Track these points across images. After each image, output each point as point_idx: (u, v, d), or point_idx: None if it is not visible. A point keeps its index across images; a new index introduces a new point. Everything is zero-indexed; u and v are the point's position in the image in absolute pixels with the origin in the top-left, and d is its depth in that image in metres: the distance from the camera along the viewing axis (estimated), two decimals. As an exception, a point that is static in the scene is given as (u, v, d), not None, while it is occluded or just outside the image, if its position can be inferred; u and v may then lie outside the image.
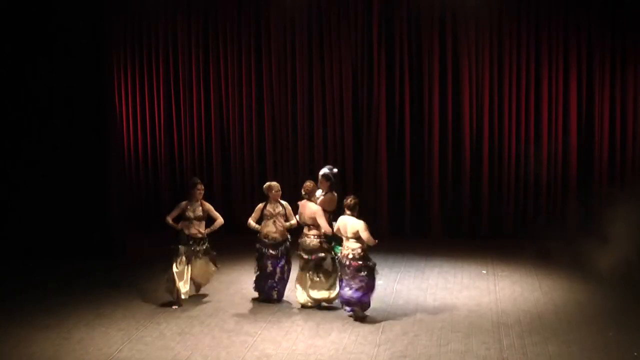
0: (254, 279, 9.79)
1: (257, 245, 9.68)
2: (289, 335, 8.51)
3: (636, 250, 10.38)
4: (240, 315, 9.24)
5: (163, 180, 14.20)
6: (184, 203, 9.77)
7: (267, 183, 9.90)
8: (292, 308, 9.48)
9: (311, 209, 9.38)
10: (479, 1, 12.82)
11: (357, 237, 8.87)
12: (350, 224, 8.95)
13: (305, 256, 9.40)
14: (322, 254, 9.34)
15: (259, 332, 8.64)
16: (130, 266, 11.69)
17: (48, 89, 12.12)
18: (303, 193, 9.56)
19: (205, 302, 9.74)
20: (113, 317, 9.20)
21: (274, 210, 9.64)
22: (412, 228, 13.36)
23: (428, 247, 12.50)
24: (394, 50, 13.21)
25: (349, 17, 13.28)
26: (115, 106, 13.01)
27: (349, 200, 9.07)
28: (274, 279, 9.64)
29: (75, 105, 12.11)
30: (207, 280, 10.07)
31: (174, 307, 9.49)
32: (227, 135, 13.94)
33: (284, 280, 9.71)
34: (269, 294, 9.68)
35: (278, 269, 9.61)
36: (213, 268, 9.95)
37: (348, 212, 9.03)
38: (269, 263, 9.59)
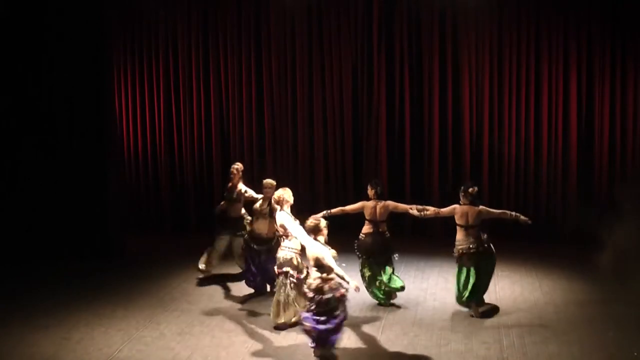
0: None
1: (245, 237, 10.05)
2: (289, 335, 8.51)
3: (636, 248, 10.37)
4: (240, 315, 9.24)
5: (163, 181, 14.20)
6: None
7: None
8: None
9: None
10: (479, 1, 12.83)
11: (319, 266, 7.64)
12: (311, 251, 7.76)
13: None
14: None
15: (259, 332, 8.64)
16: (129, 266, 11.69)
17: (48, 89, 12.12)
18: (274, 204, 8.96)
19: (206, 302, 9.74)
20: (113, 317, 9.21)
21: (261, 207, 9.81)
22: (412, 228, 13.36)
23: (428, 247, 12.50)
24: (394, 50, 13.22)
25: (349, 17, 13.29)
26: (115, 107, 13.01)
27: (309, 222, 7.95)
28: (267, 273, 9.71)
29: (75, 106, 12.11)
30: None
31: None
32: (227, 135, 13.95)
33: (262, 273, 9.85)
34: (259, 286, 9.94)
35: (269, 265, 9.60)
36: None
37: (311, 234, 7.91)
38: (253, 256, 9.89)
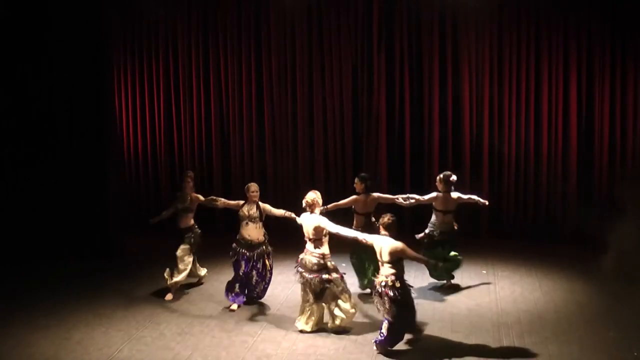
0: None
1: (233, 246, 9.56)
2: (289, 335, 8.51)
3: (636, 249, 10.38)
4: (240, 315, 9.24)
5: (163, 181, 14.20)
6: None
7: (248, 184, 9.72)
8: (292, 308, 9.46)
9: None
10: (479, 1, 12.83)
11: (394, 262, 7.99)
12: (386, 246, 8.05)
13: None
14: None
15: (259, 332, 8.65)
16: (129, 266, 11.69)
17: (48, 89, 12.12)
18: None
19: (205, 302, 9.74)
20: (113, 317, 9.21)
21: (249, 212, 9.46)
22: (412, 228, 13.32)
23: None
24: (394, 50, 13.22)
25: (349, 17, 13.29)
26: (115, 106, 13.01)
27: (386, 219, 8.14)
28: (251, 282, 9.51)
29: (75, 106, 12.10)
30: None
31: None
32: (227, 135, 13.94)
33: (259, 282, 9.60)
34: (248, 296, 9.60)
35: (254, 272, 9.49)
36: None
37: (384, 232, 8.14)
38: (242, 264, 9.46)
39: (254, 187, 9.53)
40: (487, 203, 10.35)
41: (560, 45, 12.71)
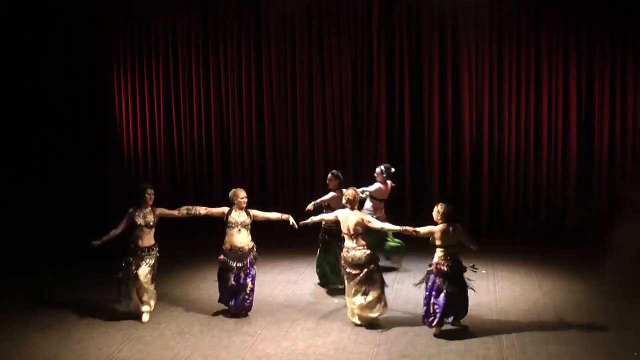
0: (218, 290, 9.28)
1: (222, 258, 9.02)
2: (289, 335, 8.51)
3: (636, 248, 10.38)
4: (240, 315, 9.22)
5: (163, 181, 14.19)
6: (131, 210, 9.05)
7: (233, 190, 9.22)
8: (292, 308, 9.47)
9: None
10: (479, 1, 12.83)
11: (448, 246, 8.49)
12: (439, 231, 8.51)
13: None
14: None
15: (259, 332, 8.65)
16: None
17: (48, 89, 12.14)
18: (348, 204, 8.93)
19: (206, 302, 9.74)
20: (113, 317, 9.19)
21: (240, 219, 9.05)
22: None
23: (428, 247, 12.46)
24: (394, 50, 13.23)
25: (349, 17, 13.30)
26: (115, 106, 13.02)
27: (446, 209, 8.50)
28: (245, 291, 9.08)
29: (75, 105, 12.12)
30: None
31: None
32: (227, 135, 13.95)
33: (253, 291, 9.21)
34: (239, 308, 9.14)
35: (249, 280, 9.08)
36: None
37: (440, 219, 8.52)
38: (231, 275, 8.97)
39: (243, 193, 9.09)
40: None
41: (560, 45, 12.73)
